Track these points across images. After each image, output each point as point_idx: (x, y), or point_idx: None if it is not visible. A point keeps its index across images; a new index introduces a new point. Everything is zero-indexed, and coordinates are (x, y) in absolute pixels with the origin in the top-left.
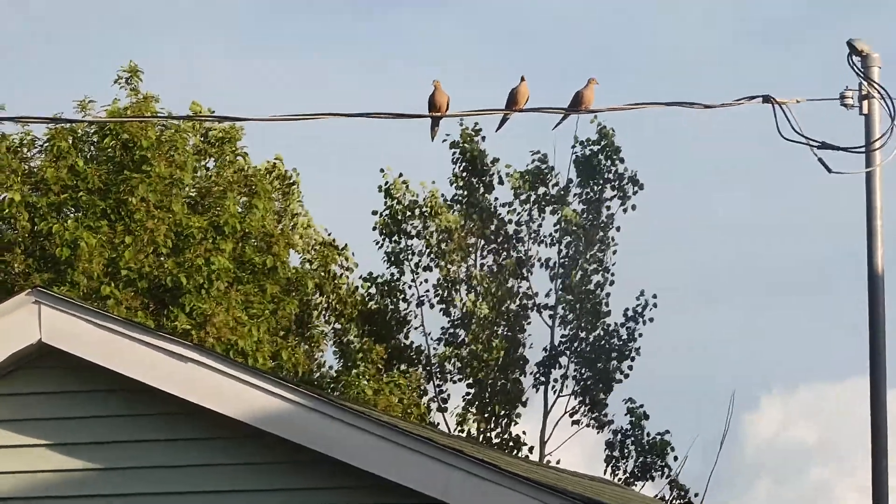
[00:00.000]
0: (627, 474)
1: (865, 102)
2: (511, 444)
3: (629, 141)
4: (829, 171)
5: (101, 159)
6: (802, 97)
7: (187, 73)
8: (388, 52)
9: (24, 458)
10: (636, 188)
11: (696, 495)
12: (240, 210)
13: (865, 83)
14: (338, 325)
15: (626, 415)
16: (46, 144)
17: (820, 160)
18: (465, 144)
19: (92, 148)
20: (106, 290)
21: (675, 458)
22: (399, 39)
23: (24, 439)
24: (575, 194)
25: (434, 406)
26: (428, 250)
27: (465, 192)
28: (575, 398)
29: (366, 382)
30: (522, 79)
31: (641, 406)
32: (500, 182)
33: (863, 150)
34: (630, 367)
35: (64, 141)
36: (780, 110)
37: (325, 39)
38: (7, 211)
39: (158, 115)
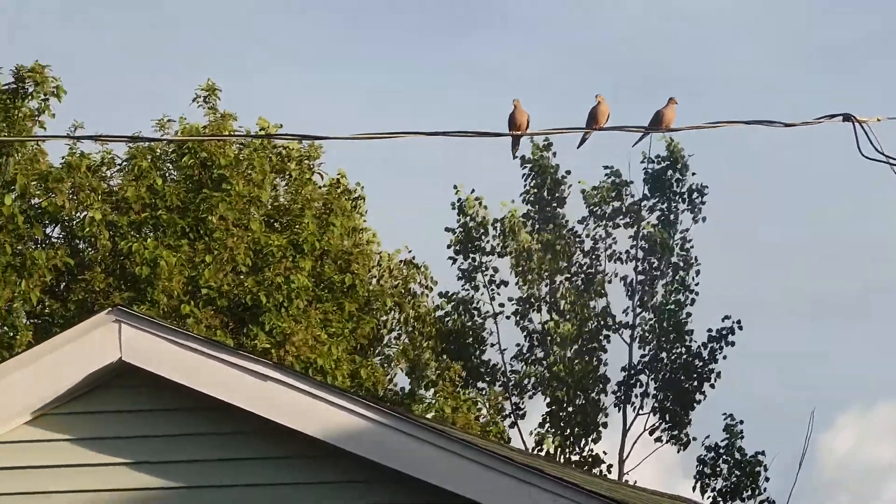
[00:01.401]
0: (715, 492)
1: None
2: (591, 462)
3: (696, 156)
4: None
5: (179, 178)
6: (883, 115)
7: (244, 88)
8: (450, 71)
9: (104, 476)
10: (703, 198)
11: None
12: (317, 228)
13: None
14: (408, 342)
15: (723, 430)
16: (126, 164)
17: None
18: (536, 160)
19: (171, 166)
20: (186, 308)
21: (767, 479)
22: (444, 61)
23: (105, 458)
24: (648, 207)
25: (509, 423)
26: (510, 269)
27: (537, 208)
28: (654, 415)
29: (443, 400)
30: (599, 98)
31: (741, 422)
32: (578, 194)
33: None
34: (712, 387)
35: (144, 160)
36: (860, 128)
37: (385, 58)
38: (88, 230)
39: (236, 133)
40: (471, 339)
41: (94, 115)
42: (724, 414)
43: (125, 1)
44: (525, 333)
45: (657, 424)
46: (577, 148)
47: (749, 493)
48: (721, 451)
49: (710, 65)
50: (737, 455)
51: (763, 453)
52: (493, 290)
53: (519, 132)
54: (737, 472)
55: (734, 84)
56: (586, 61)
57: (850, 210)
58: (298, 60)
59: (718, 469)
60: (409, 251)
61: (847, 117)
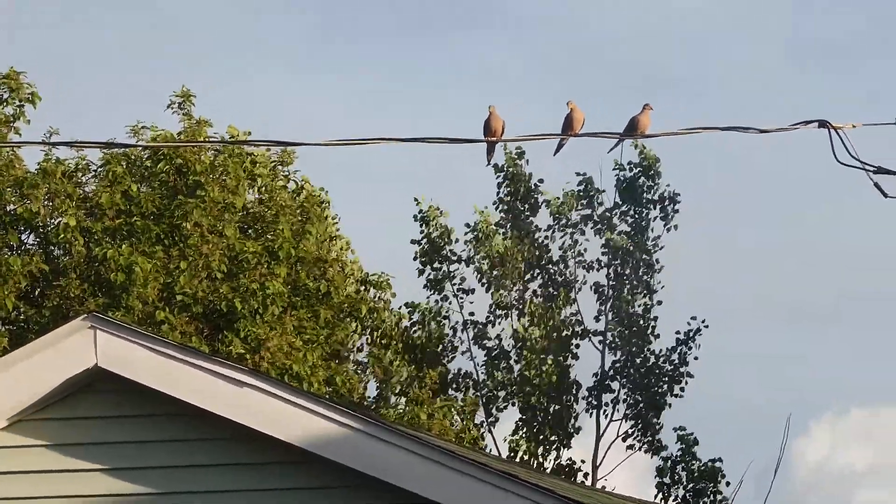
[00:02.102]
0: (679, 501)
1: None
2: (566, 469)
3: (676, 160)
4: (885, 195)
5: (154, 184)
6: (858, 122)
7: (244, 88)
8: (433, 75)
9: (80, 482)
10: (675, 207)
11: None
12: (293, 235)
13: None
14: (376, 351)
15: (676, 442)
16: (101, 170)
17: (876, 185)
18: (510, 168)
19: (146, 173)
20: (161, 315)
21: (728, 484)
22: (444, 61)
23: (81, 464)
24: (621, 213)
25: (484, 430)
26: (478, 275)
27: (510, 216)
28: (627, 422)
29: (418, 407)
30: (571, 104)
31: (692, 434)
32: (543, 204)
33: None
34: (682, 390)
35: (118, 166)
36: (836, 135)
37: (368, 61)
38: (62, 236)
39: (211, 139)
40: (440, 347)
41: (94, 115)
42: (675, 427)
43: (125, 1)
44: (485, 351)
45: (630, 431)
46: (554, 155)
47: (710, 499)
48: (678, 461)
49: (710, 65)
50: (693, 465)
51: (720, 460)
52: (461, 298)
53: (494, 139)
54: (694, 481)
55: (734, 84)
56: (586, 61)
57: (827, 216)
58: (296, 60)
59: (677, 478)
60: (362, 271)
61: (822, 123)
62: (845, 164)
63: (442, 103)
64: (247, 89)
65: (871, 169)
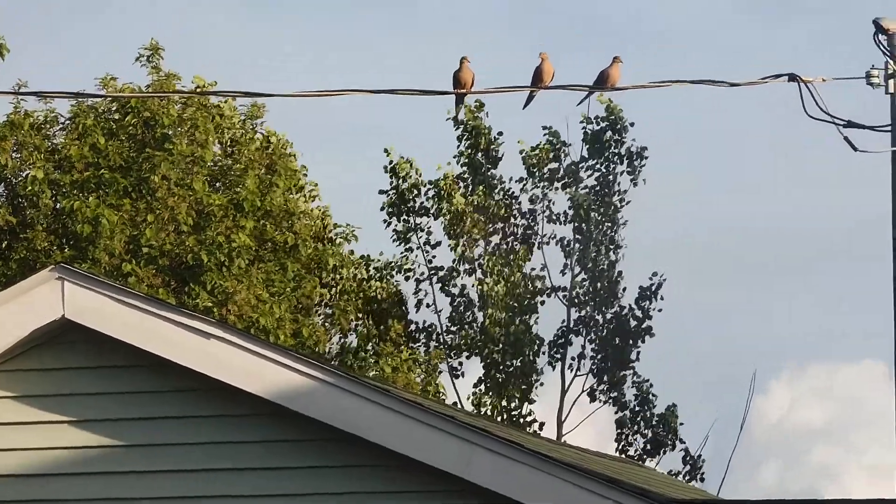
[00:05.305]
0: (640, 451)
1: (892, 81)
2: (524, 423)
3: (644, 115)
4: (855, 149)
5: (122, 137)
6: (828, 76)
7: (178, 39)
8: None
9: (48, 434)
10: (642, 162)
11: (702, 477)
12: (259, 187)
13: (892, 62)
14: (339, 304)
15: (632, 387)
16: (69, 122)
17: (846, 139)
18: (469, 122)
19: (114, 125)
20: (127, 267)
21: (682, 424)
22: (408, 10)
23: (47, 415)
24: (588, 167)
25: (448, 382)
26: (443, 231)
27: (470, 169)
28: (592, 377)
29: (383, 360)
30: (543, 56)
31: (648, 380)
32: (515, 155)
33: (889, 128)
34: (643, 341)
35: (87, 118)
36: (805, 89)
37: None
38: (30, 188)
39: (179, 90)
40: (397, 301)
41: (62, 68)
42: (633, 375)
43: None
44: (451, 299)
45: (595, 387)
46: (524, 108)
47: (670, 447)
48: (637, 411)
49: (679, 19)
50: (652, 413)
51: (675, 405)
52: (427, 251)
53: (464, 90)
54: (652, 429)
55: (699, 39)
56: (539, 14)
57: (798, 169)
58: (256, 8)
59: (637, 427)
60: (325, 226)
61: (792, 77)
62: (815, 119)
63: (386, 58)
64: (206, 40)
65: (842, 123)
